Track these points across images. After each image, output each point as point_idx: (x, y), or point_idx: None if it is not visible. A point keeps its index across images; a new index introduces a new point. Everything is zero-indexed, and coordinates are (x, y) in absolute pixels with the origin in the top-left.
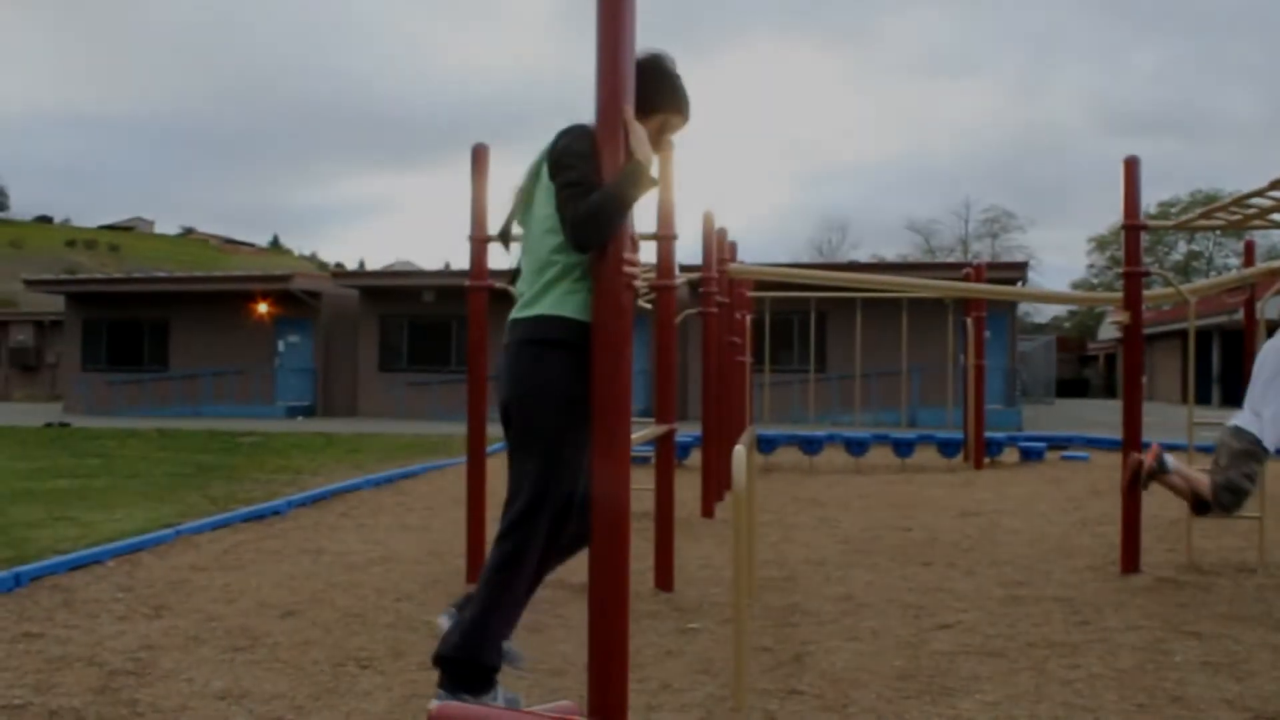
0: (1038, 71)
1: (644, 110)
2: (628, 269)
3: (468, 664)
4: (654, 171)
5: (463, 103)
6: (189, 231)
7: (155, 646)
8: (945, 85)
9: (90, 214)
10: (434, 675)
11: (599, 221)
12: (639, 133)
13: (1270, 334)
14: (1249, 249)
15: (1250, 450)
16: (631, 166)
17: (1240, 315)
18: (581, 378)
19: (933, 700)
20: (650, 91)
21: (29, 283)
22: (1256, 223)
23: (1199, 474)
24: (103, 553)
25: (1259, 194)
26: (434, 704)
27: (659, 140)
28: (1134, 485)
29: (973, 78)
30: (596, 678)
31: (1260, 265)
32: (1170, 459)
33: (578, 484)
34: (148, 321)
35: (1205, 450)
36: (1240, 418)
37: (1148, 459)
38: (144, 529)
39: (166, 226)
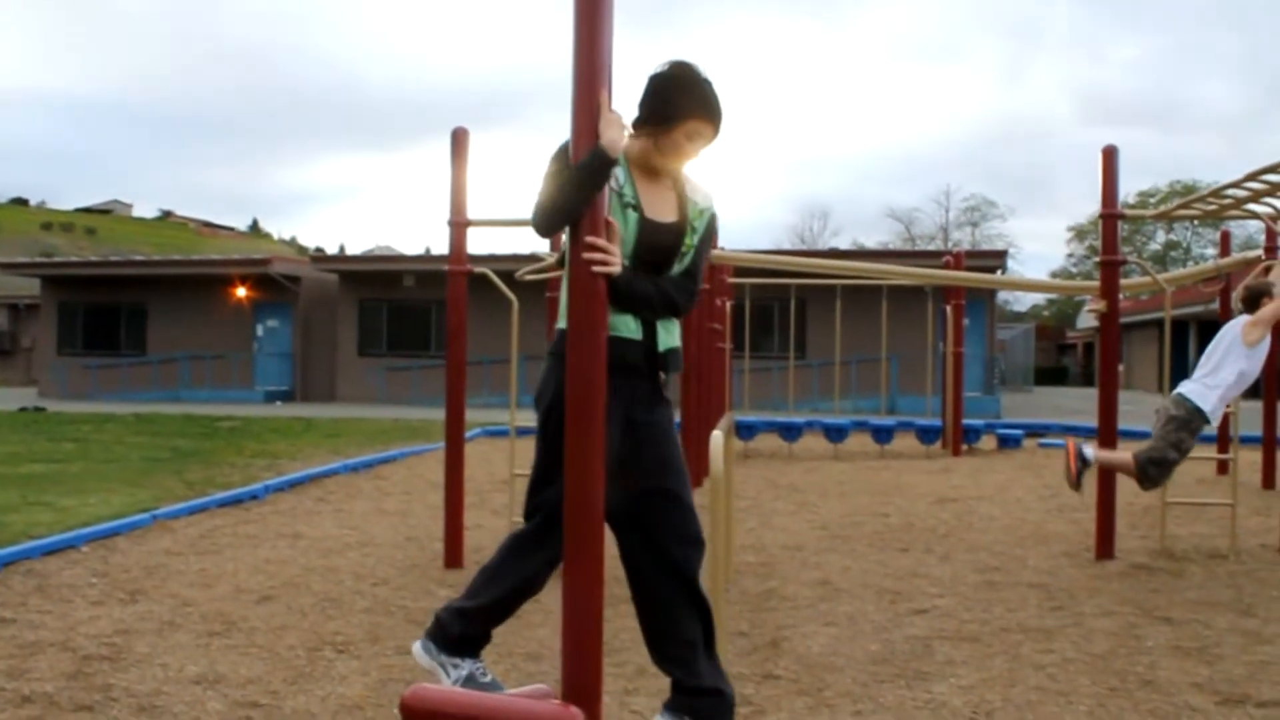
0: (1019, 61)
1: (668, 118)
2: (592, 254)
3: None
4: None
5: (444, 86)
6: (167, 215)
7: (130, 631)
8: (927, 73)
9: (67, 196)
10: (409, 660)
11: (547, 208)
12: (609, 119)
13: None
14: (1225, 239)
15: (1186, 419)
16: (588, 153)
17: (1217, 305)
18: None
19: (907, 684)
20: (673, 98)
21: (3, 265)
22: (1232, 213)
23: (1121, 455)
24: (77, 537)
25: (1235, 185)
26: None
27: (686, 148)
28: (1077, 487)
29: (955, 66)
30: (570, 661)
31: (1236, 255)
32: (1089, 451)
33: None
34: (125, 305)
35: None
36: (1185, 385)
37: (1070, 464)
38: (120, 514)
39: (144, 210)
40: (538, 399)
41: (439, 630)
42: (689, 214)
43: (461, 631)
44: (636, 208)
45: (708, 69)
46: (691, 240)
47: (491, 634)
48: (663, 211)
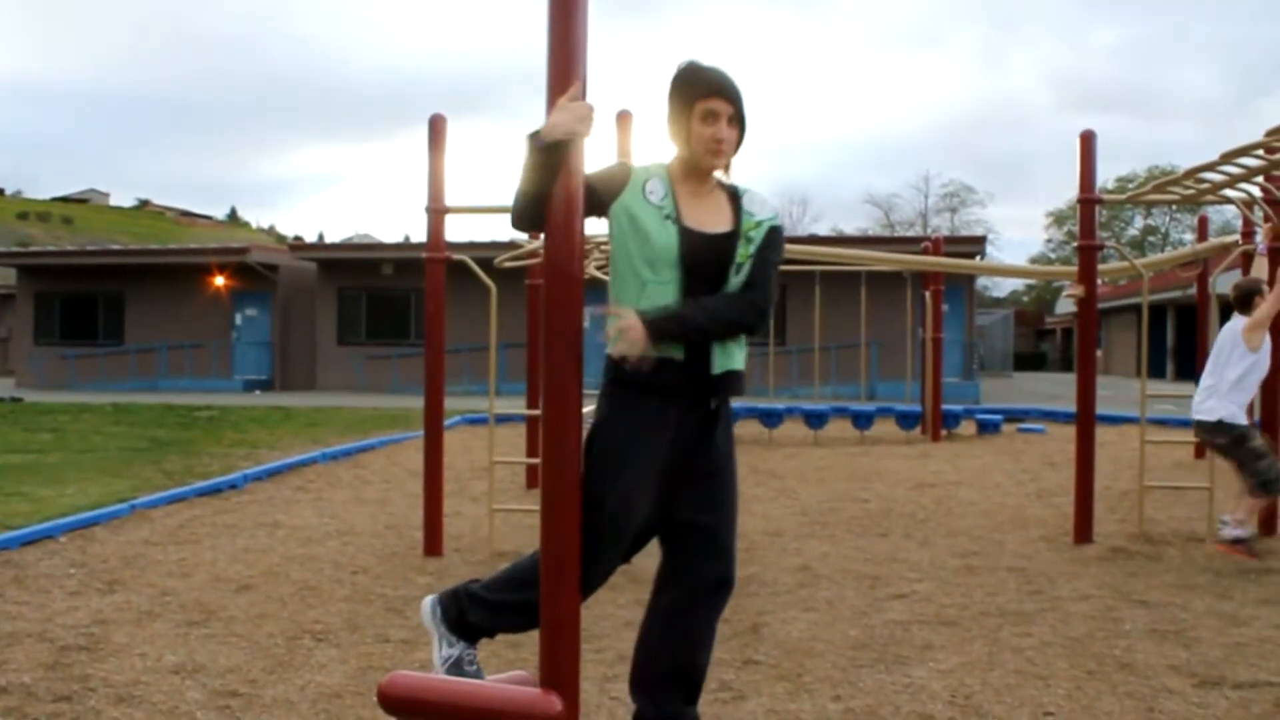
0: (999, 47)
1: (681, 110)
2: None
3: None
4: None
5: (423, 73)
6: (144, 204)
7: (108, 622)
8: (906, 60)
9: (43, 186)
10: (389, 648)
11: (513, 198)
12: (563, 104)
13: (1223, 308)
14: (1202, 224)
15: (1242, 435)
16: (529, 137)
17: (1194, 290)
18: (623, 412)
19: (887, 669)
20: (680, 90)
21: None
22: (1209, 197)
23: (1248, 506)
24: (54, 528)
25: (1210, 168)
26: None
27: (710, 134)
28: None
29: (934, 52)
30: (548, 648)
31: (1213, 240)
32: (1237, 531)
33: (613, 524)
34: (102, 295)
35: (1158, 423)
36: (1202, 410)
37: (1239, 554)
38: (97, 504)
39: (122, 199)
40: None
41: (454, 604)
42: (743, 225)
43: (474, 619)
44: (676, 219)
45: (711, 60)
46: (747, 250)
47: (497, 634)
48: (711, 222)
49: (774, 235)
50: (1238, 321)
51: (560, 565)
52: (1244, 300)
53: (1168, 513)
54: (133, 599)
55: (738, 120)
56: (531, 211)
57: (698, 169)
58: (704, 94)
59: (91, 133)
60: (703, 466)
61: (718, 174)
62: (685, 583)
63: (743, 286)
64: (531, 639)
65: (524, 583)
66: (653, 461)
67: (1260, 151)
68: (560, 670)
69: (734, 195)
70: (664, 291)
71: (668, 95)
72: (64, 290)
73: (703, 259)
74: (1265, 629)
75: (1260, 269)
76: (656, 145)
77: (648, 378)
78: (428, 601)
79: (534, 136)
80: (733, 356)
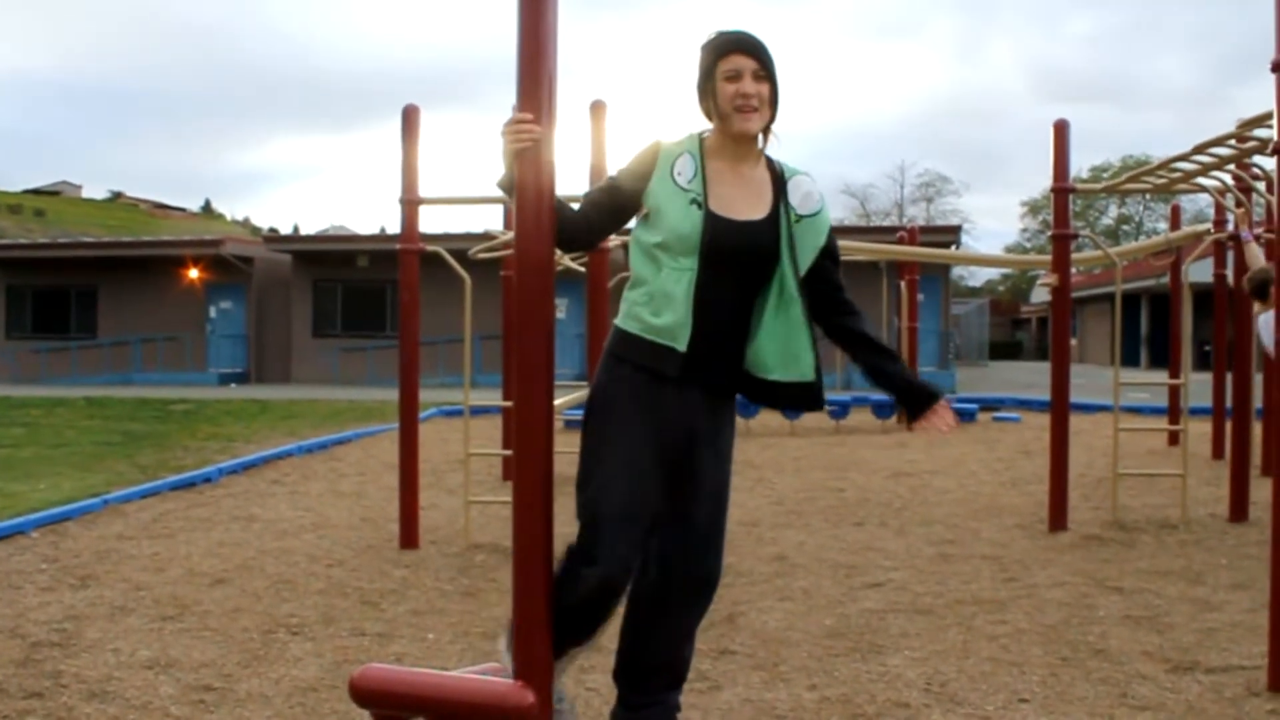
0: (974, 37)
1: (706, 75)
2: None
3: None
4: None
5: (398, 64)
6: (118, 196)
7: (80, 617)
8: (881, 49)
9: (14, 177)
10: (364, 641)
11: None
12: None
13: (1196, 296)
14: (1175, 213)
15: None
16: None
17: (1168, 279)
18: (613, 382)
19: (862, 657)
20: (703, 57)
21: None
22: (1181, 186)
23: None
24: (26, 523)
25: (1183, 158)
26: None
27: (736, 93)
28: None
29: (909, 42)
30: (521, 639)
31: (1185, 229)
32: None
33: (604, 498)
34: (75, 288)
35: (1131, 410)
36: None
37: None
38: (70, 498)
39: (94, 191)
40: (590, 394)
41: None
42: (782, 217)
43: None
44: (703, 203)
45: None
46: (784, 245)
47: (566, 650)
48: (745, 207)
49: (831, 242)
50: (1265, 319)
51: (532, 556)
52: (1259, 289)
53: (1141, 500)
54: (105, 594)
55: (768, 78)
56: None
57: (733, 137)
58: (725, 52)
59: (64, 124)
60: (698, 460)
61: (761, 145)
62: (672, 575)
63: (838, 294)
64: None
65: (557, 587)
66: (646, 430)
67: (1232, 140)
68: (534, 662)
69: (779, 180)
70: (679, 277)
71: (696, 69)
72: (36, 283)
73: (729, 247)
74: (1237, 614)
75: (1255, 257)
76: (632, 135)
77: (648, 361)
78: (502, 639)
79: (500, 184)
80: (790, 362)
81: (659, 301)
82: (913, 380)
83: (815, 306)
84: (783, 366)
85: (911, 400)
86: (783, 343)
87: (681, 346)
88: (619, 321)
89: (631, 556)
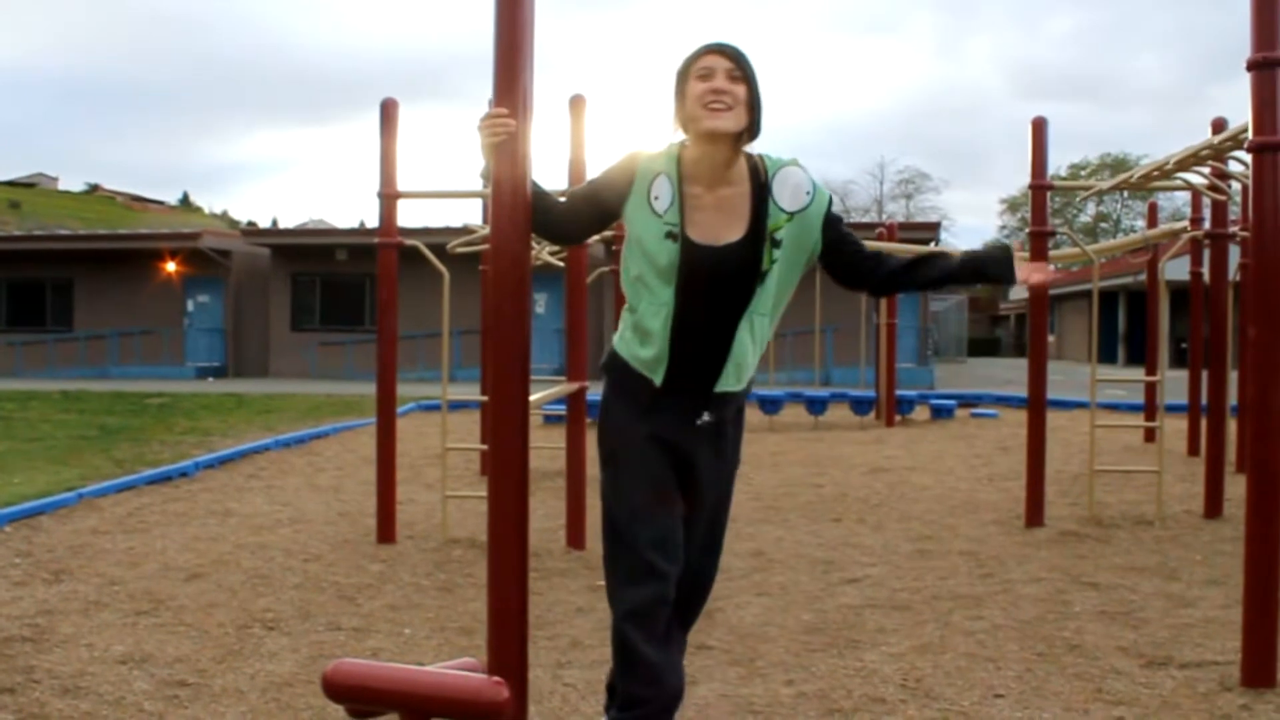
0: (954, 33)
1: (683, 76)
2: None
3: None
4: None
5: (377, 57)
6: (94, 188)
7: (54, 612)
8: (860, 46)
9: None
10: (340, 636)
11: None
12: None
13: (1173, 294)
14: (1152, 211)
15: None
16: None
17: (1145, 276)
18: (615, 405)
19: (839, 653)
20: (680, 65)
21: None
22: (1158, 184)
23: None
24: (0, 517)
25: (1165, 174)
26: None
27: (708, 91)
28: None
29: (888, 39)
30: (495, 635)
31: (1162, 226)
32: None
33: (632, 516)
34: (51, 281)
35: (1108, 407)
36: None
37: None
38: (45, 493)
39: (71, 183)
40: (600, 415)
41: None
42: (768, 225)
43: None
44: (679, 234)
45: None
46: (772, 256)
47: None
48: (724, 229)
49: (831, 218)
50: None
51: (507, 551)
52: None
53: (1117, 496)
54: (80, 589)
55: (744, 80)
56: (538, 228)
57: (706, 139)
58: (697, 56)
59: (40, 115)
60: (699, 463)
61: (736, 153)
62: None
63: (859, 255)
64: (485, 626)
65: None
66: (653, 442)
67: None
68: (508, 657)
69: (762, 185)
70: (657, 311)
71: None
72: (11, 276)
73: (705, 273)
74: (1211, 609)
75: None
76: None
77: (633, 386)
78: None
79: (482, 176)
80: (732, 376)
81: (641, 334)
82: (977, 254)
83: (849, 275)
84: (735, 378)
85: (995, 269)
86: (739, 358)
87: (658, 381)
88: (616, 343)
89: (676, 570)
